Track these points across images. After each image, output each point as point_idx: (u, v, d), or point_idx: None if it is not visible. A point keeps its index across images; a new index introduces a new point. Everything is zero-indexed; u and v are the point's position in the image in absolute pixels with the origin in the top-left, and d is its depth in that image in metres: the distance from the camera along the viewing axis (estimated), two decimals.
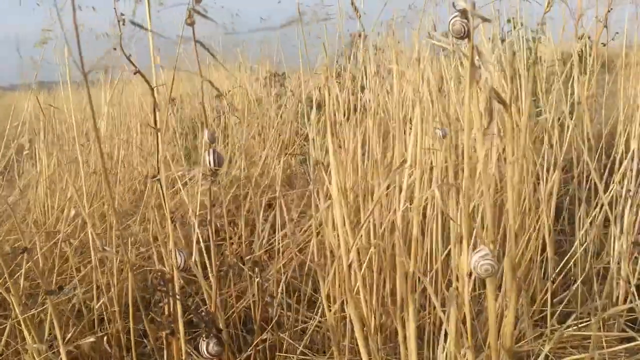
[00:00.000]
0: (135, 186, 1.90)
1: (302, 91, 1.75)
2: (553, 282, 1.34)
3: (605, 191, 1.34)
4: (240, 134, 1.87)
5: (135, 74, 0.84)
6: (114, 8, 0.87)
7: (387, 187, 0.97)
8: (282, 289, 1.33)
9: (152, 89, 0.87)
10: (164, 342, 0.99)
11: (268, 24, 2.59)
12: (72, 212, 1.21)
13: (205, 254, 1.09)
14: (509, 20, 2.33)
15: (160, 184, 0.78)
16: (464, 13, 0.57)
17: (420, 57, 0.94)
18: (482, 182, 0.66)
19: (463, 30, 0.58)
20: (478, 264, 0.67)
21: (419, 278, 1.00)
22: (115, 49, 1.19)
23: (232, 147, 1.91)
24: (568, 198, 1.68)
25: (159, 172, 0.85)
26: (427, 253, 1.08)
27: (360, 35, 1.22)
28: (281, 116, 1.98)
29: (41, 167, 1.67)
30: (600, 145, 1.65)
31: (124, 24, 0.85)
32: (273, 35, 2.44)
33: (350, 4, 1.12)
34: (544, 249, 1.29)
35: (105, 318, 1.34)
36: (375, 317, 1.11)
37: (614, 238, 1.29)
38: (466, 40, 0.59)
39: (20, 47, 2.76)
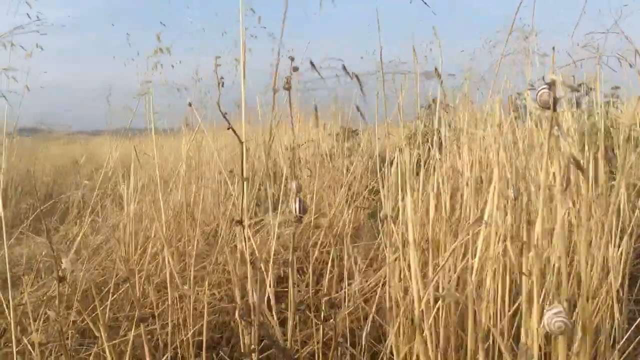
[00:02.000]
0: (209, 229, 2.01)
1: (375, 147, 1.82)
2: (622, 352, 1.31)
3: None
4: (311, 185, 1.95)
5: (228, 129, 0.93)
6: (214, 71, 0.98)
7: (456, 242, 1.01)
8: (347, 338, 1.36)
9: (241, 143, 0.96)
10: None
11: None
12: (165, 251, 1.30)
13: (275, 298, 1.15)
14: (580, 85, 2.35)
15: (243, 229, 0.85)
16: (552, 85, 0.63)
17: (500, 122, 0.99)
18: (558, 242, 0.70)
19: (553, 102, 0.64)
20: (551, 321, 0.69)
21: (486, 334, 1.02)
22: (190, 104, 1.30)
23: (303, 198, 1.99)
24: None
25: (242, 218, 0.93)
26: (496, 308, 1.10)
27: (438, 101, 1.28)
28: (351, 171, 2.05)
29: (128, 210, 1.80)
30: None
31: (222, 86, 0.95)
32: (346, 91, 2.54)
33: (433, 68, 1.19)
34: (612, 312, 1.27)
35: (179, 354, 1.41)
36: None
37: None
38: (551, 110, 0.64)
39: (109, 97, 2.99)
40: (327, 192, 2.10)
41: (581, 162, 0.62)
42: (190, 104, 1.71)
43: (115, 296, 1.39)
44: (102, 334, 1.11)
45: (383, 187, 1.29)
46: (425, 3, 1.40)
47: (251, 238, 1.24)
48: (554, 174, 0.77)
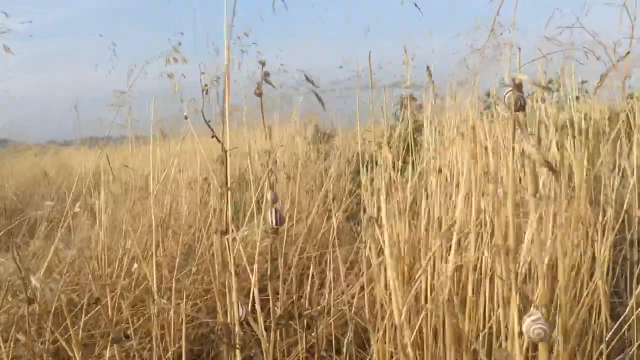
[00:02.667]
0: (185, 239, 1.96)
1: (349, 149, 1.80)
2: (607, 346, 1.31)
3: None
4: (288, 190, 1.93)
5: (212, 137, 0.90)
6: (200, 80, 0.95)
7: (440, 246, 0.99)
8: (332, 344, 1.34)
9: (225, 152, 0.93)
10: None
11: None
12: (135, 266, 1.26)
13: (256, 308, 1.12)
14: (550, 81, 2.36)
15: (228, 241, 0.82)
16: (519, 86, 0.61)
17: (474, 125, 0.98)
18: (534, 247, 0.68)
19: (519, 103, 0.62)
20: (530, 328, 0.68)
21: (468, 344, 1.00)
22: (186, 117, 1.26)
23: (281, 203, 1.96)
24: (622, 258, 1.65)
25: (227, 229, 0.90)
26: (481, 313, 1.08)
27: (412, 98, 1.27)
28: (329, 174, 2.03)
29: (99, 224, 1.75)
30: None
31: (207, 94, 0.92)
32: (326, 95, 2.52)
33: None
34: (599, 311, 1.27)
35: None
36: None
37: None
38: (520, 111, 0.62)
39: (77, 105, 2.91)
40: (304, 197, 2.07)
41: (553, 164, 0.61)
42: (186, 117, 1.65)
43: (89, 316, 1.34)
44: (76, 354, 1.07)
45: (363, 189, 1.26)
46: (416, 5, 1.38)
47: (241, 249, 1.21)
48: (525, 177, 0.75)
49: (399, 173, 1.20)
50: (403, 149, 1.53)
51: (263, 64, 0.74)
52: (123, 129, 2.40)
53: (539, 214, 0.80)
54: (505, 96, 0.65)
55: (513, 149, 0.66)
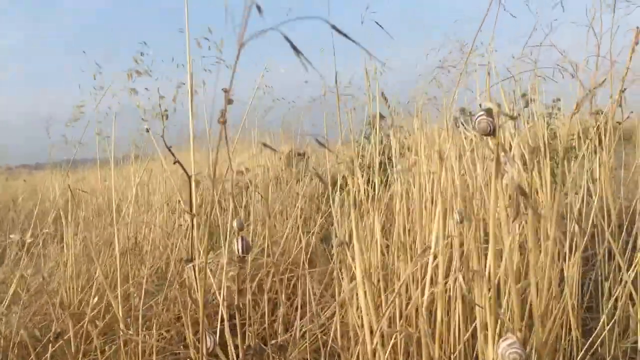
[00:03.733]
0: (159, 266, 1.93)
1: (326, 170, 1.80)
2: None
3: (628, 268, 1.34)
4: (261, 211, 1.91)
5: (174, 163, 0.88)
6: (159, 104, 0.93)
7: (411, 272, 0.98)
8: None
9: (189, 177, 0.91)
10: None
11: (295, 101, 2.71)
12: (95, 300, 1.23)
13: (226, 335, 1.09)
14: (523, 95, 2.39)
15: (194, 270, 0.80)
16: (489, 112, 0.61)
17: (442, 153, 0.98)
18: (507, 271, 0.68)
19: (489, 128, 0.62)
20: (506, 352, 0.67)
21: None
22: (147, 130, 1.24)
23: (254, 224, 1.94)
24: (594, 274, 1.66)
25: (193, 257, 0.88)
26: (452, 336, 1.07)
27: (381, 117, 1.27)
28: (303, 195, 2.01)
29: (67, 250, 1.71)
30: (626, 219, 1.65)
31: (167, 119, 0.90)
32: (295, 114, 2.53)
33: (377, 92, 1.17)
34: (570, 327, 1.27)
35: None
36: None
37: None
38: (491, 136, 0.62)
39: (50, 127, 2.86)
40: (277, 218, 2.05)
41: (525, 188, 0.61)
42: (147, 130, 1.63)
43: (54, 348, 1.30)
44: None
45: (335, 213, 1.26)
46: (379, 25, 1.38)
47: (211, 276, 1.18)
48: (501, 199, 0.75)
49: (369, 197, 1.19)
50: (374, 170, 1.53)
51: (226, 91, 0.73)
52: (101, 150, 2.36)
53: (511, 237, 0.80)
54: (476, 121, 0.65)
55: (496, 175, 0.65)
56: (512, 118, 0.61)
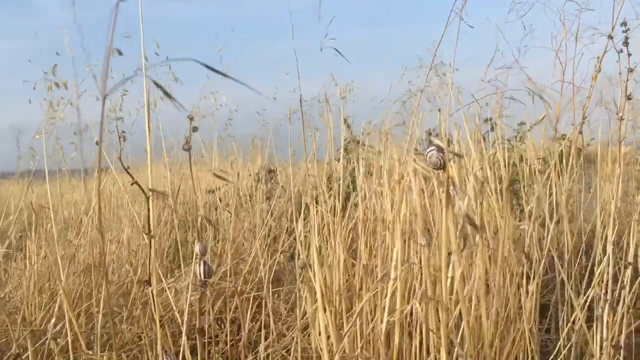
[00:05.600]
0: (123, 284, 1.91)
1: (292, 190, 1.81)
2: None
3: (586, 291, 1.37)
4: (230, 229, 1.91)
5: (132, 184, 0.89)
6: (115, 122, 0.93)
7: (374, 295, 1.00)
8: None
9: (147, 198, 0.91)
10: None
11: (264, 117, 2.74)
12: (53, 320, 1.22)
13: (190, 355, 1.09)
14: (487, 120, 2.44)
15: (152, 293, 0.80)
16: (439, 148, 0.63)
17: (400, 177, 1.01)
18: (460, 298, 0.70)
19: (440, 162, 0.64)
20: None
21: None
22: (97, 142, 1.24)
23: (222, 243, 1.94)
24: (553, 297, 1.71)
25: (150, 279, 0.88)
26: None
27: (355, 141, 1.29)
28: (271, 213, 2.02)
29: (30, 266, 1.69)
30: (583, 245, 1.70)
31: (124, 140, 0.90)
32: (267, 130, 2.55)
33: (342, 119, 1.19)
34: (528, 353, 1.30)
35: None
36: None
37: (596, 339, 1.30)
38: (442, 170, 0.64)
39: (19, 138, 2.82)
40: (246, 236, 2.05)
41: (475, 220, 0.63)
42: (97, 143, 1.64)
43: None
44: None
45: (298, 234, 1.27)
46: (339, 52, 1.42)
47: (171, 297, 1.18)
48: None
49: (337, 217, 1.21)
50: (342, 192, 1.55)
51: (191, 118, 0.75)
52: (74, 161, 2.35)
53: (463, 265, 0.82)
54: (427, 156, 0.68)
55: (447, 205, 0.68)
56: (459, 156, 0.64)
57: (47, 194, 2.02)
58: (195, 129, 0.75)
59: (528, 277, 1.29)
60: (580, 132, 1.91)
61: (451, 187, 0.63)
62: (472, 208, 0.96)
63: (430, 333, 0.76)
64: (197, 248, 0.79)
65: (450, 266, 0.80)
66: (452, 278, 0.81)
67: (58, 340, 1.53)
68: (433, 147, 0.64)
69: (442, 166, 0.65)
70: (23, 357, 1.28)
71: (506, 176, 1.20)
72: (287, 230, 2.01)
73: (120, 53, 0.44)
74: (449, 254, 0.72)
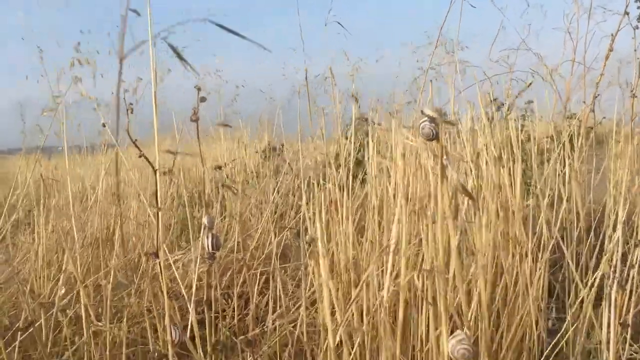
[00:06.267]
0: (131, 257, 1.92)
1: (300, 166, 1.80)
2: None
3: (595, 270, 1.37)
4: (237, 206, 1.91)
5: (140, 157, 0.88)
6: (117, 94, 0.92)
7: (381, 271, 1.00)
8: None
9: (155, 171, 0.91)
10: None
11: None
12: (62, 290, 1.22)
13: (198, 328, 1.10)
14: (494, 99, 2.42)
15: (159, 265, 0.80)
16: (432, 119, 0.63)
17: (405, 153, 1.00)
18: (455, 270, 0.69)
19: (432, 133, 0.64)
20: (455, 349, 0.69)
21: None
22: (104, 125, 1.23)
23: (229, 219, 1.94)
24: (561, 276, 1.70)
25: (158, 251, 0.88)
26: (416, 334, 1.09)
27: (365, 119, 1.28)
28: (278, 190, 2.02)
29: (38, 239, 1.70)
30: (594, 221, 1.69)
31: (132, 112, 0.90)
32: (274, 106, 2.54)
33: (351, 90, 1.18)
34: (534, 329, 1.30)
35: None
36: None
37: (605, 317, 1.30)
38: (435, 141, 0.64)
39: (24, 114, 2.83)
40: (253, 212, 2.06)
41: (469, 189, 0.62)
42: (104, 125, 1.64)
43: (24, 336, 1.29)
44: None
45: (308, 209, 1.26)
46: (341, 25, 1.40)
47: (176, 271, 1.18)
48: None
49: (346, 191, 1.21)
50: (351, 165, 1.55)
51: (199, 89, 0.74)
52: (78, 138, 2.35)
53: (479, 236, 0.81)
54: (419, 127, 0.67)
55: (442, 175, 0.67)
56: (452, 124, 0.63)
57: (55, 169, 2.02)
58: (203, 99, 0.74)
59: (536, 256, 1.29)
60: (592, 110, 1.89)
61: (444, 158, 0.62)
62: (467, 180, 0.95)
63: (436, 306, 0.76)
64: (204, 220, 0.79)
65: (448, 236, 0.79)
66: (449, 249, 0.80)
67: (67, 311, 1.55)
68: (425, 119, 0.64)
69: (435, 137, 0.64)
70: (33, 328, 1.29)
71: (518, 153, 1.19)
72: (292, 207, 2.01)
73: (138, 13, 0.43)
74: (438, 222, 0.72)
